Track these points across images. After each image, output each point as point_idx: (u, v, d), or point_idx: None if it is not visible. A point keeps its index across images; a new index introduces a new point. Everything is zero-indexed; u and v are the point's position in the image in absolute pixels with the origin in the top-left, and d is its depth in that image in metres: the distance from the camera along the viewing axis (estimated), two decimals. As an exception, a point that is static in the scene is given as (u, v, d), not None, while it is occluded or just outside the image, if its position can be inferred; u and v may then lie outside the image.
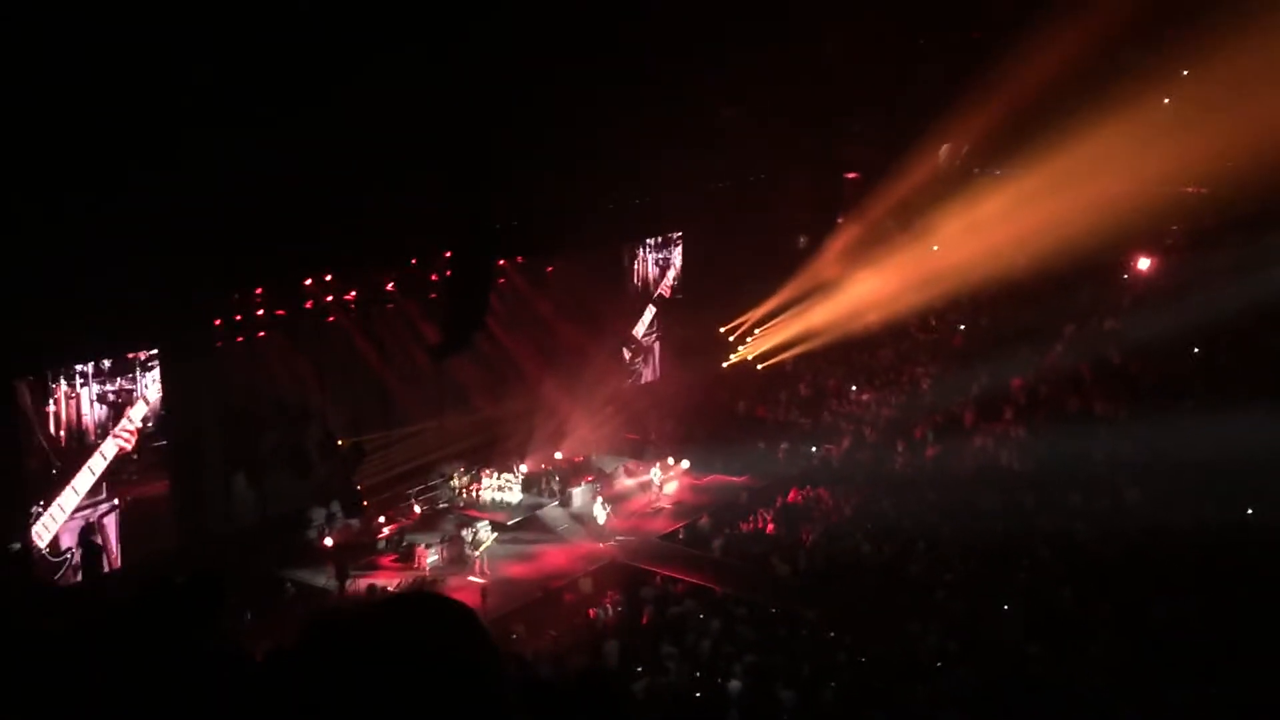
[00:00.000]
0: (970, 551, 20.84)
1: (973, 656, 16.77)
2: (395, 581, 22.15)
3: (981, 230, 29.36)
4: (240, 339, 24.11)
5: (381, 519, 25.43)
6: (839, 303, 31.67)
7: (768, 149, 31.55)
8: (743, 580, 21.76)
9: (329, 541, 23.98)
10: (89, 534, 21.20)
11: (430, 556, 23.31)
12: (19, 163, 17.24)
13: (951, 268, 30.40)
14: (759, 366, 33.16)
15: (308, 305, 25.48)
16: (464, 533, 23.84)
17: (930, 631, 17.66)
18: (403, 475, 27.12)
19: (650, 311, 34.54)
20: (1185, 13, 27.38)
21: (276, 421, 24.49)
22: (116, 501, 21.91)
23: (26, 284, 17.80)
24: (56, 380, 21.01)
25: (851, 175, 35.41)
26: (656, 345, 34.98)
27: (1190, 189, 29.22)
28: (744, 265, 32.90)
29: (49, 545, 20.71)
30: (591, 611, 21.01)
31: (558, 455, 29.17)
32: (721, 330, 34.05)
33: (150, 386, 22.36)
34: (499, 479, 27.33)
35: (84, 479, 21.32)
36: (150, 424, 22.46)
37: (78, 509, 21.20)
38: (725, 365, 33.88)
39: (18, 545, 19.93)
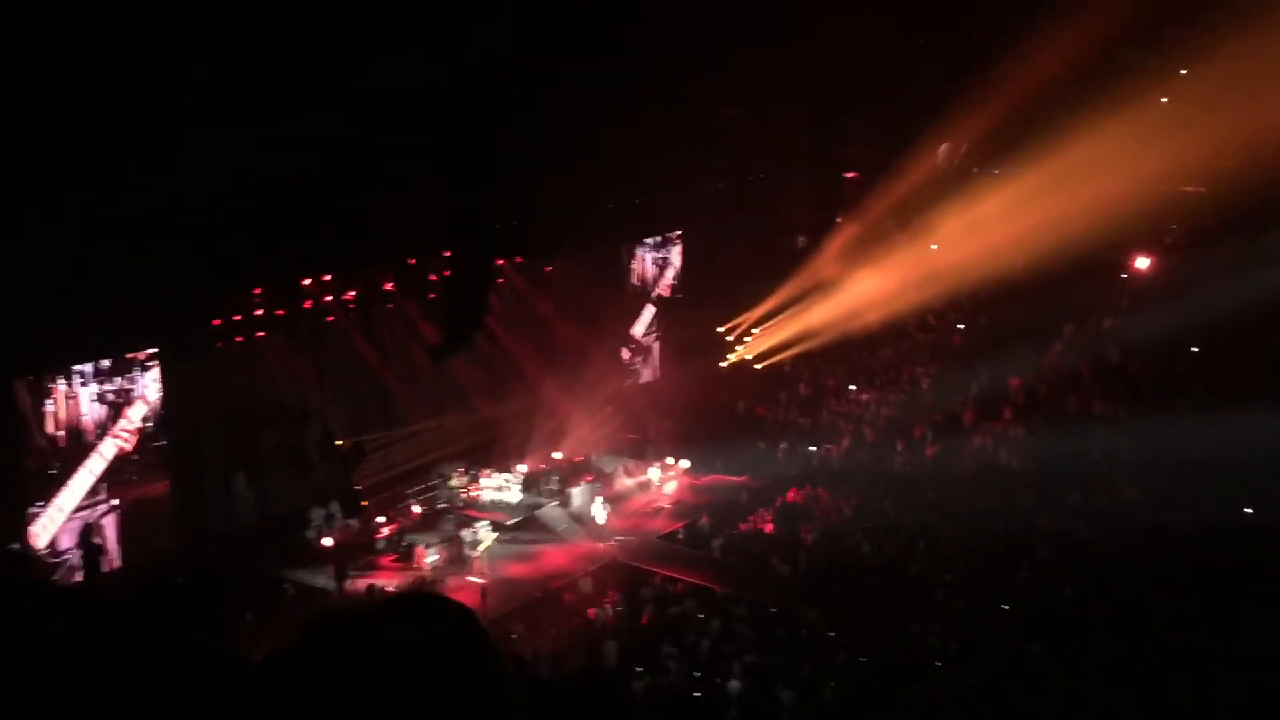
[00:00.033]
0: (970, 551, 20.86)
1: (972, 656, 16.78)
2: (395, 582, 22.13)
3: (980, 229, 29.35)
4: (240, 339, 24.11)
5: (381, 519, 25.41)
6: (838, 302, 31.67)
7: (767, 149, 31.57)
8: (742, 580, 21.76)
9: (328, 542, 23.96)
10: (89, 535, 21.19)
11: (430, 557, 23.31)
12: (19, 163, 17.23)
13: (950, 267, 30.38)
14: (758, 366, 33.15)
15: (307, 305, 25.49)
16: (463, 533, 23.84)
17: (930, 631, 17.67)
18: (402, 475, 27.13)
19: (649, 311, 34.55)
20: (1184, 12, 27.38)
21: (276, 421, 24.49)
22: (116, 502, 21.91)
23: (26, 284, 17.80)
24: (55, 380, 21.00)
25: (850, 175, 35.41)
26: (656, 345, 34.99)
27: (1189, 188, 29.21)
28: (743, 265, 32.91)
29: (48, 546, 20.71)
30: (591, 611, 21.02)
31: (557, 455, 29.16)
32: (721, 330, 34.04)
33: (149, 386, 22.36)
34: (498, 479, 27.32)
35: (83, 479, 21.32)
36: (150, 424, 22.47)
37: (77, 509, 21.20)
38: (724, 365, 33.87)
39: (16, 545, 19.91)
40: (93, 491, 21.52)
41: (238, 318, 24.00)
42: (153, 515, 22.41)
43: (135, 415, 22.17)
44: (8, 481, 20.18)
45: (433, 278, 27.67)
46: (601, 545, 24.54)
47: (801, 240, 35.11)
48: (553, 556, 24.28)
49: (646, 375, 34.82)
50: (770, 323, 33.27)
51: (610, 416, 30.70)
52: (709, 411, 31.44)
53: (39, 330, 18.87)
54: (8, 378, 20.09)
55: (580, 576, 22.94)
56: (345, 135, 20.54)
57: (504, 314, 29.20)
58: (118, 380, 21.95)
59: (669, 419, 31.07)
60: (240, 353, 24.14)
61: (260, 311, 24.37)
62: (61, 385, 21.12)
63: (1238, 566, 18.39)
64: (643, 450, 29.31)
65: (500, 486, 27.18)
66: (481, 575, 22.86)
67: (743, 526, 24.93)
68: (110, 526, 21.82)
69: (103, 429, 21.70)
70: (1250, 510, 20.78)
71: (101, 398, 21.68)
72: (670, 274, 34.88)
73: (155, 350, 22.30)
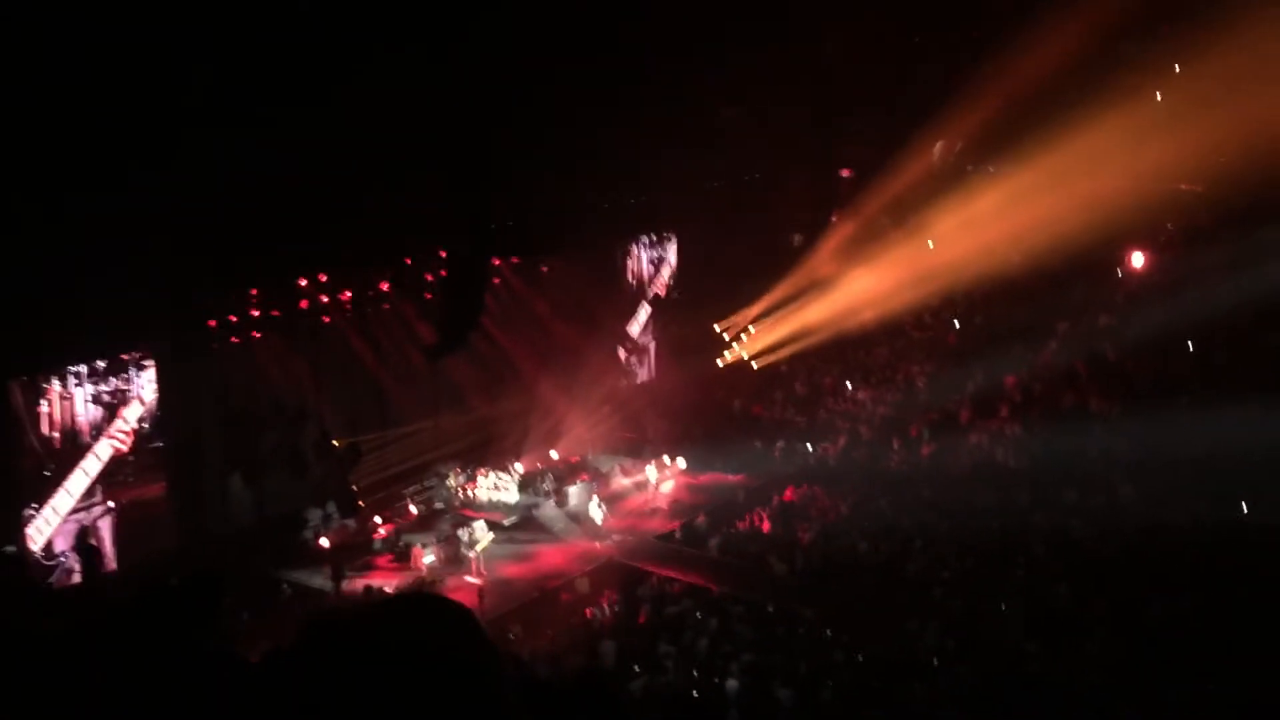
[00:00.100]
0: (967, 549, 20.85)
1: (970, 654, 16.77)
2: (392, 582, 22.13)
3: (976, 227, 29.39)
4: (236, 339, 24.10)
5: (378, 519, 25.42)
6: (834, 301, 31.70)
7: (764, 148, 31.57)
8: (740, 579, 21.75)
9: (325, 542, 23.96)
10: (86, 538, 21.14)
11: (427, 557, 23.30)
12: (19, 163, 17.20)
13: (946, 265, 30.42)
14: (754, 365, 33.18)
15: (303, 305, 25.47)
16: (460, 533, 23.82)
17: (927, 629, 17.66)
18: (399, 475, 27.13)
19: (645, 311, 34.55)
20: (1178, 9, 27.41)
21: (274, 422, 24.48)
22: (111, 504, 21.86)
23: (26, 284, 17.77)
24: (50, 380, 20.95)
25: (846, 173, 35.42)
26: (652, 344, 34.99)
27: (1184, 186, 29.23)
28: (739, 264, 32.93)
29: (43, 548, 20.65)
30: (588, 611, 21.04)
31: (554, 455, 29.19)
32: (717, 329, 34.06)
33: (145, 387, 22.32)
34: (495, 479, 27.33)
35: (78, 481, 21.26)
36: (146, 425, 22.43)
37: (72, 512, 21.15)
38: (721, 364, 33.89)
39: (12, 548, 19.88)
40: (88, 493, 21.47)
41: (233, 318, 24.00)
42: (149, 517, 22.38)
43: (131, 416, 22.13)
44: (3, 483, 20.14)
45: (429, 278, 27.66)
46: (599, 545, 24.54)
47: (797, 239, 35.12)
48: (550, 556, 24.27)
49: (642, 375, 34.83)
50: (766, 321, 33.30)
51: (607, 416, 30.74)
52: (706, 411, 31.46)
53: (37, 330, 18.85)
54: (5, 378, 20.06)
55: (577, 576, 22.94)
56: (344, 135, 20.53)
57: (500, 314, 29.21)
58: (113, 381, 21.90)
59: (666, 418, 31.10)
60: (238, 353, 24.12)
61: (257, 312, 24.36)
62: (56, 386, 21.06)
63: (1234, 564, 18.38)
64: (639, 449, 29.34)
65: (497, 486, 27.20)
66: (478, 575, 22.86)
67: (740, 525, 24.93)
68: (106, 528, 21.77)
69: (98, 430, 21.65)
70: (1246, 507, 20.79)
71: (96, 398, 21.63)
72: (666, 273, 34.88)
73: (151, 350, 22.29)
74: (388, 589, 21.27)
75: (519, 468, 27.89)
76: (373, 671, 1.94)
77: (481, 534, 23.83)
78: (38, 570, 20.42)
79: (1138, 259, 30.33)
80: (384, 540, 24.55)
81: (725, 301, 33.66)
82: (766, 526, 24.48)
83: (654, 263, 34.79)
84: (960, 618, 18.11)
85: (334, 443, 25.58)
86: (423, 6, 20.76)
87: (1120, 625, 17.11)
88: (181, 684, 2.39)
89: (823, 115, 31.94)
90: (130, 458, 22.20)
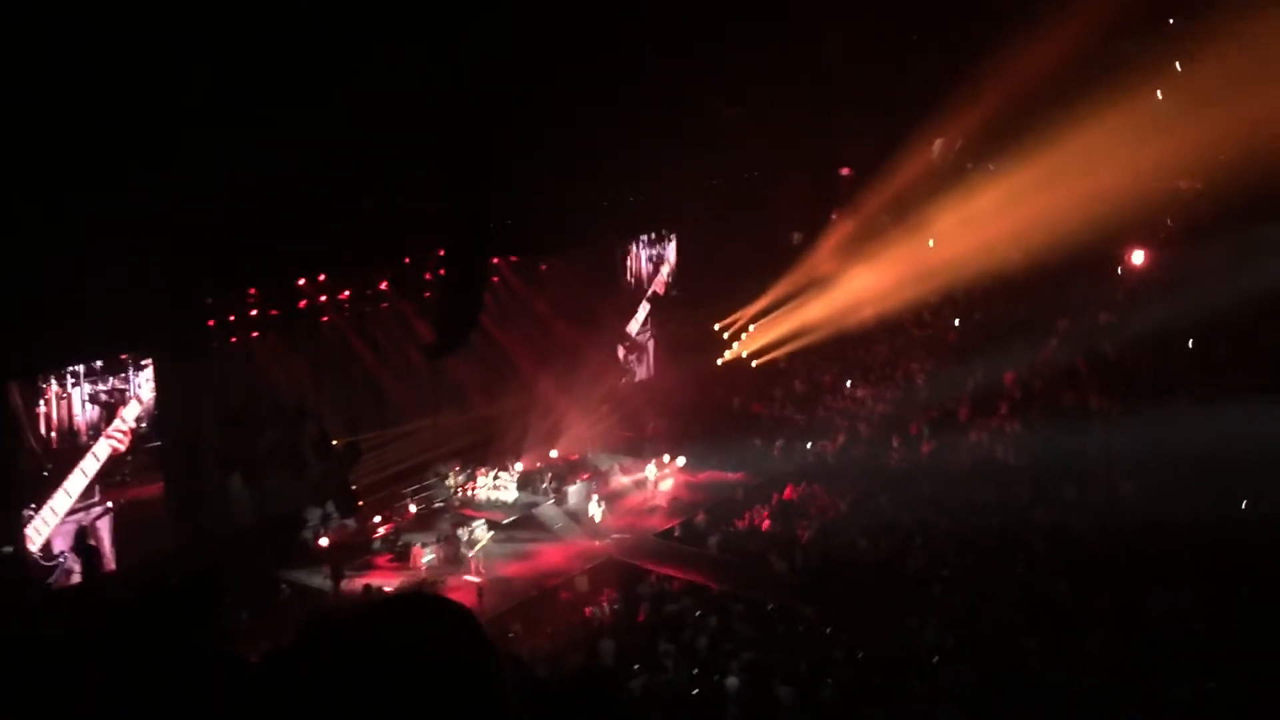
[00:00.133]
0: (967, 546, 20.86)
1: (970, 652, 16.77)
2: (391, 581, 22.14)
3: (975, 225, 29.38)
4: (235, 339, 24.09)
5: (377, 519, 25.43)
6: (833, 299, 31.70)
7: (763, 147, 31.54)
8: (739, 577, 21.76)
9: (324, 542, 23.95)
10: (85, 538, 21.12)
11: (426, 556, 23.32)
12: (19, 163, 17.18)
13: (945, 263, 30.41)
14: (754, 363, 33.18)
15: (302, 305, 25.47)
16: (460, 532, 23.84)
17: (927, 627, 17.67)
18: (398, 475, 27.12)
19: (644, 309, 34.55)
20: (1178, 6, 27.39)
21: (273, 421, 24.45)
22: (110, 504, 21.84)
23: (26, 284, 17.75)
24: (47, 380, 20.92)
25: (845, 171, 35.40)
26: (651, 343, 34.99)
27: (1184, 183, 29.24)
28: (738, 262, 32.90)
29: (42, 549, 20.62)
30: (588, 610, 21.03)
31: (553, 453, 29.19)
32: (716, 327, 34.06)
33: (143, 386, 22.30)
34: (494, 478, 27.35)
35: (76, 481, 21.24)
36: (144, 424, 22.41)
37: (70, 512, 21.12)
38: (720, 362, 33.89)
39: (9, 549, 19.86)
40: (87, 493, 21.44)
41: (232, 318, 24.00)
42: (148, 516, 22.37)
43: (129, 415, 22.11)
44: (2, 484, 20.12)
45: (428, 277, 27.65)
46: (598, 543, 24.55)
47: (797, 237, 35.10)
48: (549, 555, 24.28)
49: (641, 373, 34.83)
50: (766, 319, 33.30)
51: (606, 414, 30.74)
52: (705, 409, 31.46)
53: (36, 330, 18.83)
54: (4, 378, 20.04)
55: (577, 575, 22.95)
56: (344, 135, 20.50)
57: (499, 312, 29.21)
58: (110, 380, 21.88)
59: (665, 416, 31.11)
60: (237, 353, 24.12)
61: (256, 311, 24.36)
62: (53, 385, 21.03)
63: (1235, 561, 18.39)
64: (639, 448, 29.34)
65: (496, 485, 27.21)
66: (478, 574, 22.87)
67: (739, 523, 24.93)
68: (105, 528, 21.75)
69: (96, 430, 21.63)
70: (1246, 504, 20.79)
71: (94, 398, 21.60)
72: (665, 271, 34.88)
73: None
74: (387, 588, 21.30)
75: (518, 466, 27.89)
76: (372, 672, 1.94)
77: (481, 533, 23.86)
78: (37, 571, 20.41)
79: (1138, 256, 30.34)
80: (383, 539, 24.55)
81: (725, 300, 33.64)
82: (766, 524, 24.48)
83: (653, 261, 34.80)
84: (960, 615, 18.11)
85: (333, 442, 25.55)
86: (423, 6, 20.73)
87: (1121, 623, 17.11)
88: (181, 684, 2.39)
89: (822, 113, 31.89)
90: (128, 457, 22.19)
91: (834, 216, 34.53)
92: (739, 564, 22.64)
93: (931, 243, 31.93)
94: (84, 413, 21.45)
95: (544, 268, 31.33)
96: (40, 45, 16.87)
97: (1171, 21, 28.04)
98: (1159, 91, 28.24)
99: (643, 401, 32.46)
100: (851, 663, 17.04)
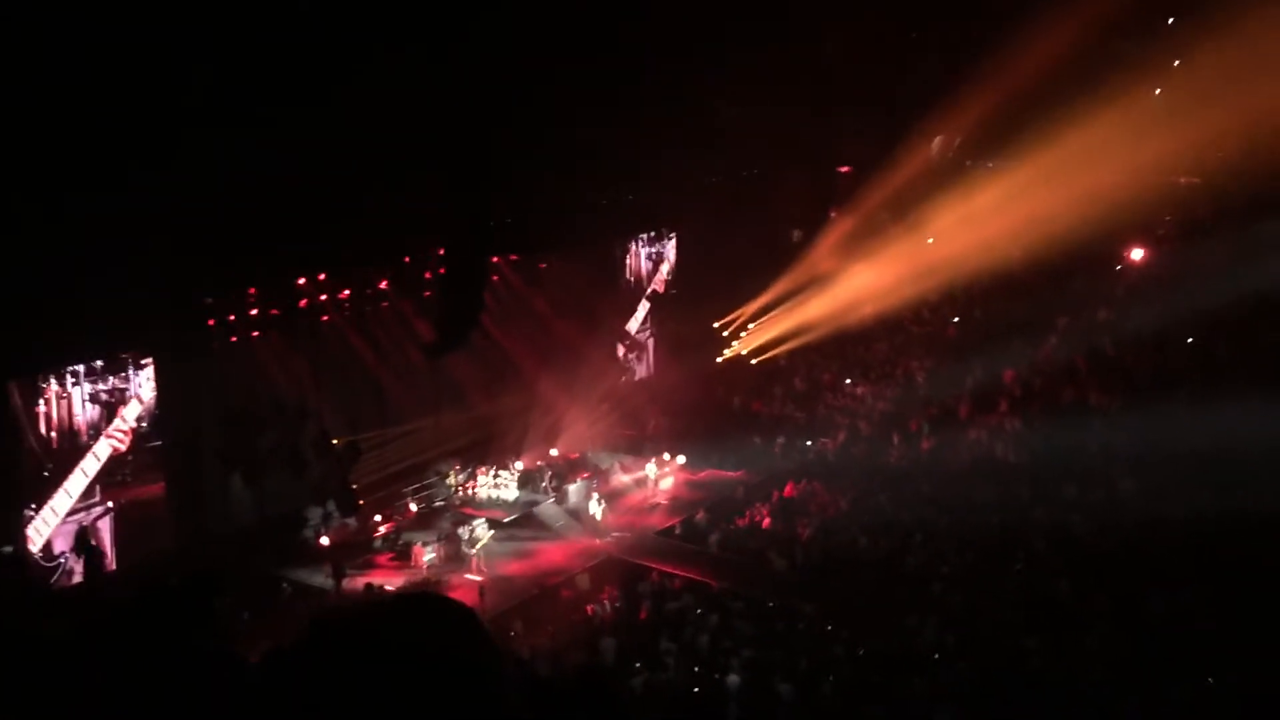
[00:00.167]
0: (966, 544, 20.86)
1: (970, 649, 16.78)
2: (392, 580, 22.15)
3: (974, 223, 29.37)
4: (235, 339, 24.07)
5: (378, 518, 25.41)
6: (833, 297, 31.68)
7: (763, 145, 31.51)
8: (740, 575, 21.77)
9: (325, 541, 23.95)
10: (86, 538, 21.10)
11: (427, 555, 23.32)
12: (19, 163, 17.18)
13: (945, 260, 30.39)
14: (754, 361, 33.16)
15: (302, 304, 25.46)
16: (460, 530, 23.84)
17: (927, 624, 17.67)
18: (399, 474, 27.11)
19: (644, 307, 34.53)
20: (1177, 3, 27.39)
21: (274, 421, 24.44)
22: (111, 504, 21.82)
23: (26, 284, 17.75)
24: (47, 379, 20.89)
25: (844, 169, 35.39)
26: (651, 341, 34.97)
27: (1183, 179, 29.24)
28: (738, 260, 32.88)
29: (42, 549, 20.59)
30: (589, 608, 21.03)
31: (554, 452, 29.17)
32: (716, 325, 34.05)
33: (144, 385, 22.27)
34: (495, 476, 27.34)
35: (77, 481, 21.20)
36: (145, 424, 22.38)
37: (71, 512, 21.09)
38: (720, 360, 33.88)
39: (9, 548, 19.86)
40: (87, 493, 21.41)
41: (232, 317, 23.97)
42: (149, 516, 22.35)
43: (130, 415, 22.08)
44: (2, 484, 20.11)
45: (428, 276, 27.64)
46: (599, 541, 24.55)
47: (796, 235, 35.08)
48: (550, 553, 24.28)
49: (641, 372, 34.81)
50: (765, 318, 33.29)
51: (606, 413, 30.74)
52: (705, 407, 31.45)
53: (36, 330, 18.82)
54: (5, 378, 20.02)
55: (578, 573, 22.95)
56: (344, 135, 20.50)
57: (499, 311, 29.17)
58: (110, 379, 21.84)
59: (665, 415, 31.09)
60: (237, 352, 24.09)
61: (255, 311, 24.34)
62: (53, 385, 20.99)
63: (1235, 558, 18.38)
64: (639, 446, 29.34)
65: (497, 484, 27.20)
66: (479, 573, 22.87)
67: (740, 521, 24.93)
68: (106, 528, 21.73)
69: (96, 429, 21.60)
70: (1246, 500, 20.77)
71: (94, 397, 21.56)
72: (665, 270, 34.87)
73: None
74: (388, 587, 21.31)
75: (519, 465, 27.89)
76: (375, 671, 1.94)
77: (481, 531, 23.84)
78: (37, 571, 20.39)
79: (1137, 254, 30.33)
80: (384, 538, 24.55)
81: (724, 298, 33.63)
82: (766, 522, 24.48)
83: (653, 259, 34.78)
84: (960, 613, 18.12)
85: (334, 441, 25.54)
86: (422, 6, 20.72)
87: (1120, 620, 17.12)
88: (181, 684, 2.39)
89: (822, 112, 31.88)
90: (129, 457, 22.16)
91: (833, 214, 34.52)
92: (739, 562, 22.65)
93: (931, 240, 31.90)
94: (84, 412, 21.42)
95: (544, 266, 31.30)
96: (40, 45, 16.87)
97: (1170, 20, 28.04)
98: (1158, 88, 28.25)
99: (643, 400, 32.44)
100: (852, 660, 17.05)
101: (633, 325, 34.32)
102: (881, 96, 31.31)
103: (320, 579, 22.45)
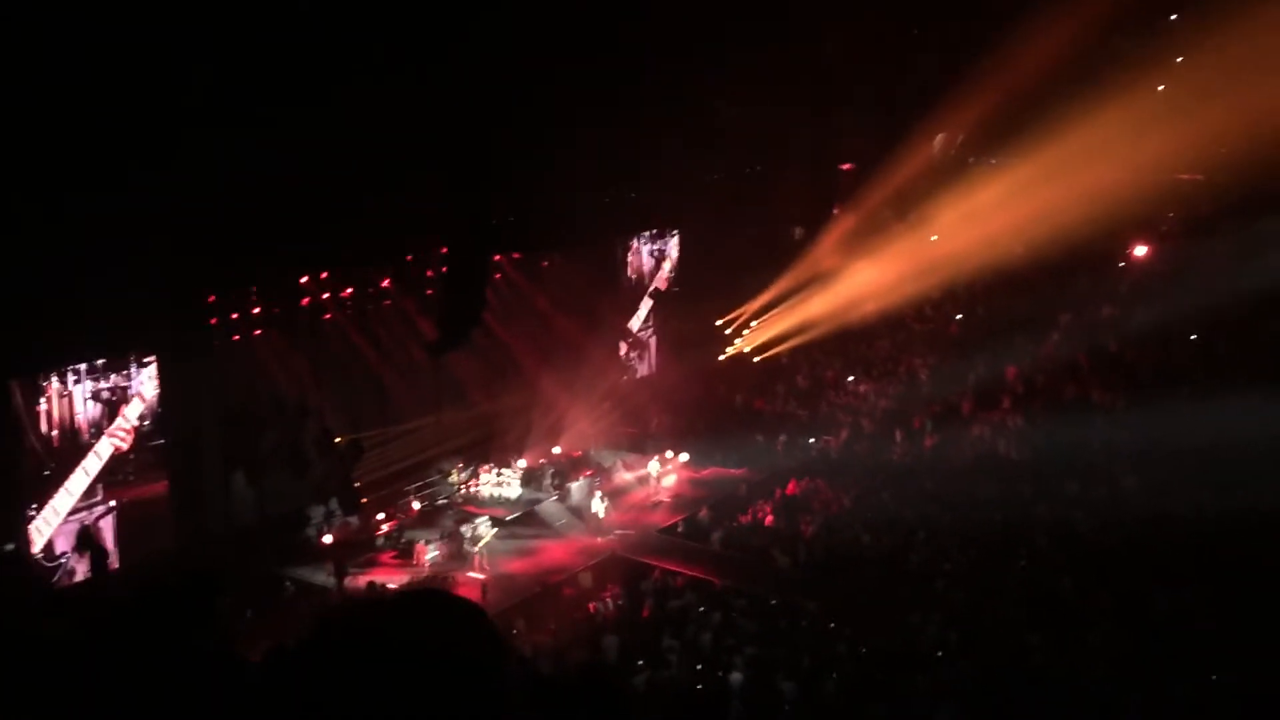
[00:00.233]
0: (969, 541, 20.87)
1: (973, 647, 16.78)
2: (395, 578, 22.15)
3: (977, 220, 29.34)
4: (237, 337, 24.06)
5: (380, 516, 25.40)
6: (835, 294, 31.67)
7: (764, 143, 31.49)
8: (743, 573, 21.78)
9: (328, 539, 23.95)
10: (88, 537, 21.07)
11: (429, 553, 23.33)
12: (19, 163, 17.18)
13: (947, 257, 30.39)
14: (756, 359, 33.16)
15: (304, 303, 25.46)
16: (463, 529, 23.84)
17: (930, 622, 17.68)
18: (401, 472, 27.09)
19: (646, 305, 34.53)
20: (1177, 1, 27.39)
21: (275, 420, 24.45)
22: (113, 503, 21.80)
23: (26, 284, 17.74)
24: (48, 378, 20.85)
25: (846, 166, 35.36)
26: (653, 339, 34.97)
27: (1186, 176, 29.20)
28: (740, 257, 32.85)
29: (43, 549, 20.57)
30: (591, 606, 21.03)
31: (556, 450, 29.18)
32: (718, 323, 34.04)
33: (146, 384, 22.25)
34: (497, 474, 27.33)
35: (78, 480, 21.15)
36: (147, 422, 22.36)
37: (73, 511, 21.06)
38: (722, 358, 33.87)
39: (11, 546, 19.85)
40: (89, 492, 21.37)
41: (234, 316, 23.97)
42: (150, 515, 22.32)
43: (132, 414, 22.04)
44: (3, 483, 20.09)
45: (429, 274, 27.65)
46: (601, 539, 24.56)
47: (798, 232, 35.06)
48: (552, 551, 24.29)
49: (643, 369, 34.81)
50: (768, 315, 33.27)
51: (608, 411, 30.73)
52: (707, 405, 31.45)
53: (37, 330, 18.81)
54: (5, 378, 20.01)
55: (580, 571, 22.95)
56: (344, 135, 20.49)
57: (501, 309, 29.17)
58: (112, 378, 21.79)
59: (668, 412, 31.09)
60: (239, 351, 24.08)
61: (257, 310, 24.33)
62: (54, 384, 20.96)
63: (1237, 555, 18.38)
64: (642, 444, 29.35)
65: (499, 482, 27.19)
66: (481, 571, 22.88)
67: (742, 519, 24.94)
68: (107, 528, 21.71)
69: (98, 428, 21.57)
70: (1249, 497, 20.76)
71: (96, 396, 21.52)
72: (667, 267, 34.86)
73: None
74: (391, 585, 21.31)
75: (521, 463, 27.88)
76: (379, 669, 1.93)
77: (484, 529, 23.86)
78: (39, 570, 20.38)
79: (1139, 250, 30.31)
80: (387, 537, 24.55)
81: (727, 295, 33.61)
82: (769, 520, 24.49)
83: (655, 257, 34.76)
84: (963, 610, 18.12)
85: (336, 440, 25.56)
86: (423, 7, 20.72)
87: (1123, 617, 17.12)
88: (181, 684, 2.38)
89: (823, 109, 31.85)
90: (131, 456, 22.14)
91: (835, 212, 34.50)
92: (742, 559, 22.66)
93: (933, 237, 31.90)
94: (86, 411, 21.36)
95: (546, 264, 31.28)
96: (40, 45, 16.87)
97: (1172, 16, 28.00)
98: (1160, 84, 28.21)
99: (645, 398, 32.43)
100: (854, 658, 17.06)
101: (635, 323, 34.30)
102: (882, 94, 31.29)
103: (322, 577, 22.44)
